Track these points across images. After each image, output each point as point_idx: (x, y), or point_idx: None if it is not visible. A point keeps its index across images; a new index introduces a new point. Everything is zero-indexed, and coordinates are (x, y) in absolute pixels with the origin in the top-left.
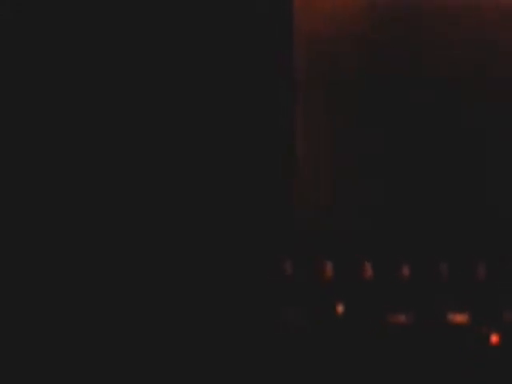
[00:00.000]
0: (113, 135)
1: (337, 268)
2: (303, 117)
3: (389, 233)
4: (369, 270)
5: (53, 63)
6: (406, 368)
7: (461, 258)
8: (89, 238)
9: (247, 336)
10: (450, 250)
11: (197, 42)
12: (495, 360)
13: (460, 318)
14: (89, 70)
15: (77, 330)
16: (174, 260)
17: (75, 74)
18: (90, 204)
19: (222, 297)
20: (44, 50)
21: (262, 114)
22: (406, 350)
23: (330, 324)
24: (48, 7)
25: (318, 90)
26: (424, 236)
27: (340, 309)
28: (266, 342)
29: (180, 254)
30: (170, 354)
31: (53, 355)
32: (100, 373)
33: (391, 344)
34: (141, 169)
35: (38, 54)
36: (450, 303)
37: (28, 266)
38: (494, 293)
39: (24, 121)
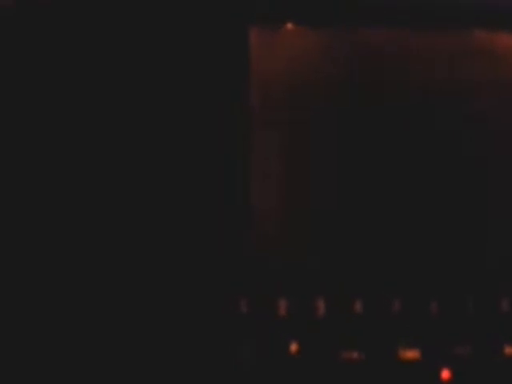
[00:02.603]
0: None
1: (290, 306)
2: (258, 157)
3: (341, 270)
4: (321, 308)
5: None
6: None
7: (413, 294)
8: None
9: (203, 373)
10: (403, 286)
11: (149, 81)
12: None
13: (411, 353)
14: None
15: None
16: (130, 297)
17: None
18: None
19: (177, 334)
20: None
21: (217, 154)
22: None
23: (284, 361)
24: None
25: (274, 131)
26: (376, 273)
27: (294, 346)
28: (221, 380)
29: (138, 291)
30: None
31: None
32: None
33: (344, 380)
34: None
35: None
36: (402, 339)
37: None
38: (445, 329)
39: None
